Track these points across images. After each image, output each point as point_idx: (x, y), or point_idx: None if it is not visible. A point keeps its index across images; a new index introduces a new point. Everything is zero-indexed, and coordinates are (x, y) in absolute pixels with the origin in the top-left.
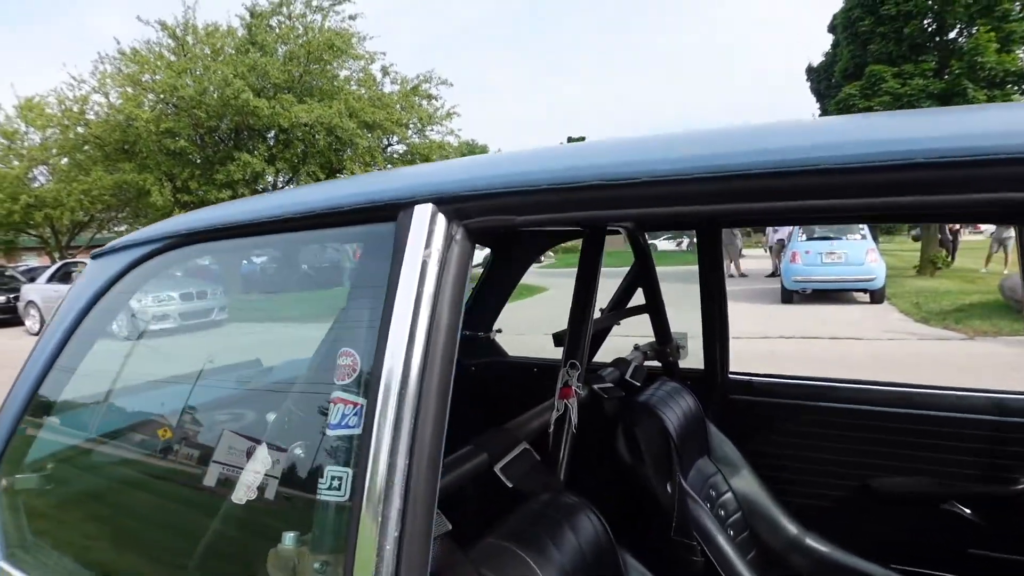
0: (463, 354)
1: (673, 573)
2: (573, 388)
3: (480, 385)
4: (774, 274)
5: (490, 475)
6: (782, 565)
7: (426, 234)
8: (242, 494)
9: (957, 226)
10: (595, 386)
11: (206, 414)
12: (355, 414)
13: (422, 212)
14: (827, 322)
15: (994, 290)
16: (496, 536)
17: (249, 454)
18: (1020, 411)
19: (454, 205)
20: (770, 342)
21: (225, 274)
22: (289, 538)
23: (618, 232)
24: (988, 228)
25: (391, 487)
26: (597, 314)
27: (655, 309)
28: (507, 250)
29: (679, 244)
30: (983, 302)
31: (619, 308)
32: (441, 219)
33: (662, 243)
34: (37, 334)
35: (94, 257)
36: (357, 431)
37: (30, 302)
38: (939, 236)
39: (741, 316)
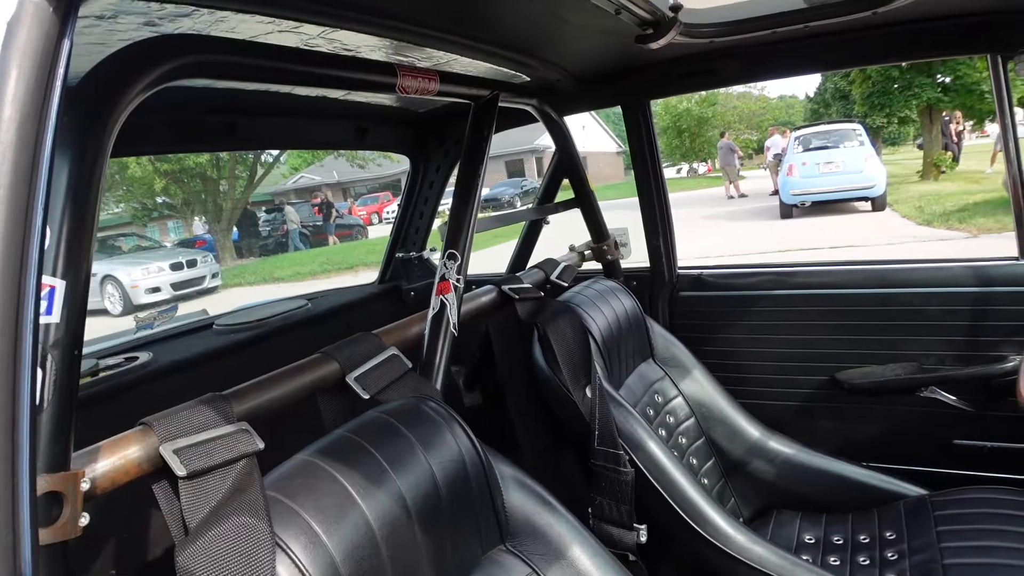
0: (400, 278)
1: (604, 488)
2: (451, 283)
3: (420, 309)
4: (776, 192)
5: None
6: (743, 472)
7: None
8: None
9: (961, 127)
10: (505, 287)
11: None
12: None
13: None
14: (827, 233)
15: (999, 188)
16: (309, 452)
17: None
18: (1006, 279)
19: None
20: (767, 257)
21: None
22: None
23: (529, 118)
24: (993, 130)
25: None
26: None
27: (585, 203)
28: (424, 156)
29: (678, 171)
30: (988, 200)
31: (544, 203)
32: None
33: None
34: None
35: None
36: None
37: None
38: (943, 139)
39: (740, 235)
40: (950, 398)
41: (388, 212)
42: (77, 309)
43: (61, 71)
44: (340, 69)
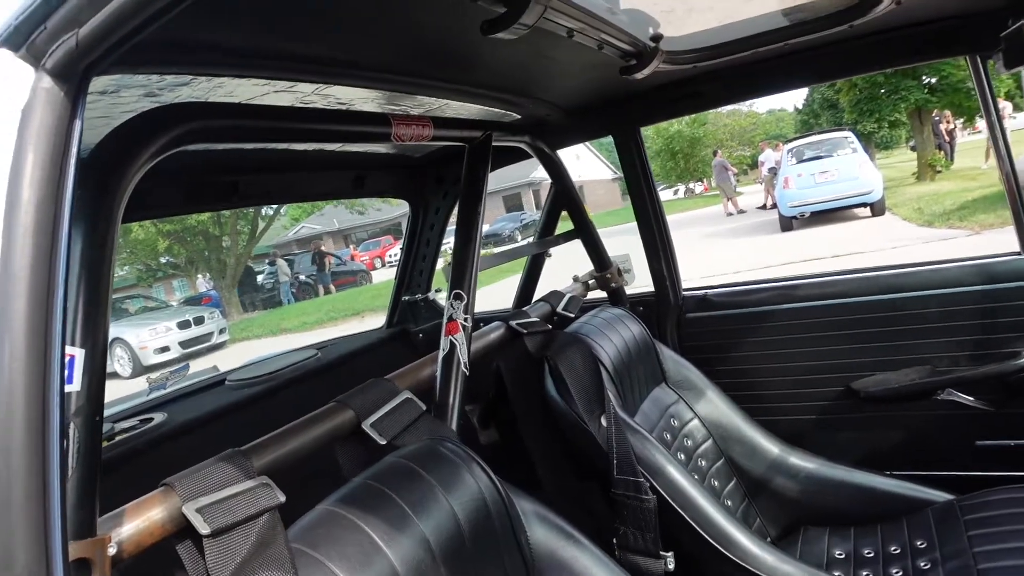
0: (408, 321)
1: (627, 517)
2: (459, 322)
3: (429, 351)
4: (773, 205)
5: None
6: (767, 490)
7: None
8: None
9: (952, 126)
10: (513, 323)
11: None
12: None
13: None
14: (829, 242)
15: (996, 183)
16: (331, 501)
17: None
18: (1010, 275)
19: (30, 39)
20: (772, 271)
21: None
22: None
23: (524, 154)
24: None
25: None
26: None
27: (584, 233)
28: (423, 199)
29: (675, 192)
30: (986, 196)
31: (544, 236)
32: (20, 65)
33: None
34: None
35: None
36: None
37: None
38: (934, 139)
39: (744, 251)
40: (968, 399)
41: (391, 255)
42: (97, 376)
43: (74, 150)
44: (337, 123)
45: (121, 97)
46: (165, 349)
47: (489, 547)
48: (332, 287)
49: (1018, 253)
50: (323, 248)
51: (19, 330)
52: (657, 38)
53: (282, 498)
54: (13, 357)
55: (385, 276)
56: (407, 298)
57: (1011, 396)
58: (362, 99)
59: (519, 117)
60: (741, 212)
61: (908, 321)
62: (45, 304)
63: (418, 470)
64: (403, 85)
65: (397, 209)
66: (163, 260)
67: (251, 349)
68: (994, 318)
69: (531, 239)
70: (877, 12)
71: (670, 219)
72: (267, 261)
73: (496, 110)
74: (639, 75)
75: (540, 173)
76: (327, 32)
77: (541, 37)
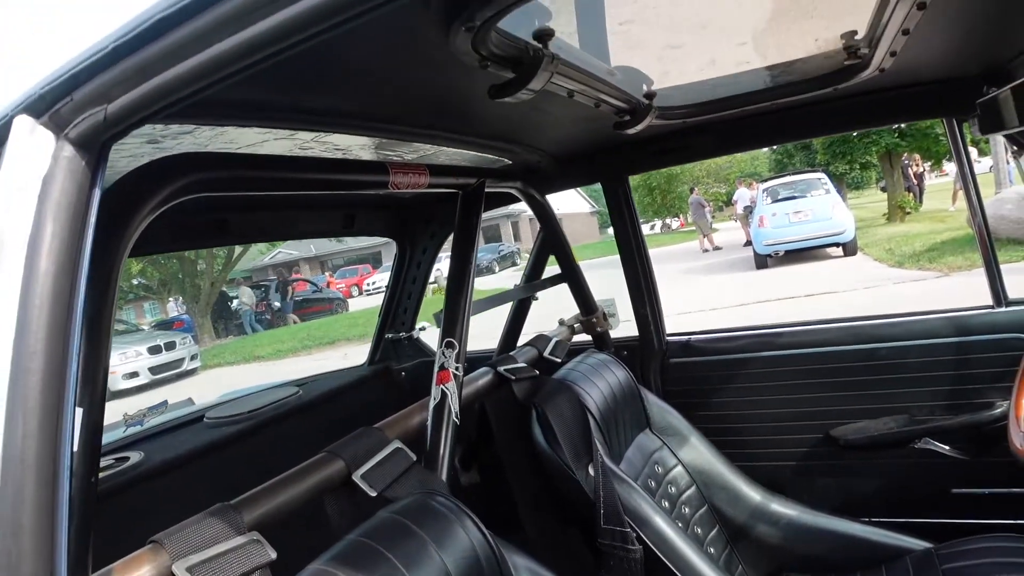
0: (390, 358)
1: (613, 567)
2: (451, 371)
3: (413, 390)
4: (748, 243)
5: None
6: (749, 537)
7: (20, 157)
8: None
9: (921, 169)
10: (500, 368)
11: None
12: None
13: (20, 129)
14: (803, 281)
15: (964, 225)
16: (324, 560)
17: None
18: (984, 327)
19: (54, 108)
20: (747, 309)
21: None
22: None
23: (511, 198)
24: (952, 168)
25: None
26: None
27: (571, 277)
28: (411, 238)
29: (651, 227)
30: (955, 238)
31: (531, 281)
32: (43, 134)
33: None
34: None
35: None
36: None
37: None
38: (904, 182)
39: (718, 287)
40: (944, 448)
41: (369, 284)
42: (92, 434)
43: (92, 220)
44: (336, 172)
45: (124, 144)
46: (134, 375)
47: None
48: (295, 317)
49: (991, 307)
50: (296, 275)
51: (34, 401)
52: (651, 95)
53: (273, 555)
54: (27, 433)
55: (361, 304)
56: (391, 336)
57: (986, 446)
58: (359, 145)
59: (510, 163)
60: (717, 248)
61: (886, 371)
62: (61, 372)
63: (411, 526)
64: (401, 134)
65: (375, 238)
66: (135, 282)
67: (224, 376)
68: (969, 369)
69: (509, 270)
70: (861, 78)
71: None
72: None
73: (489, 156)
74: (631, 130)
75: (519, 206)
76: (334, 86)
77: (542, 96)
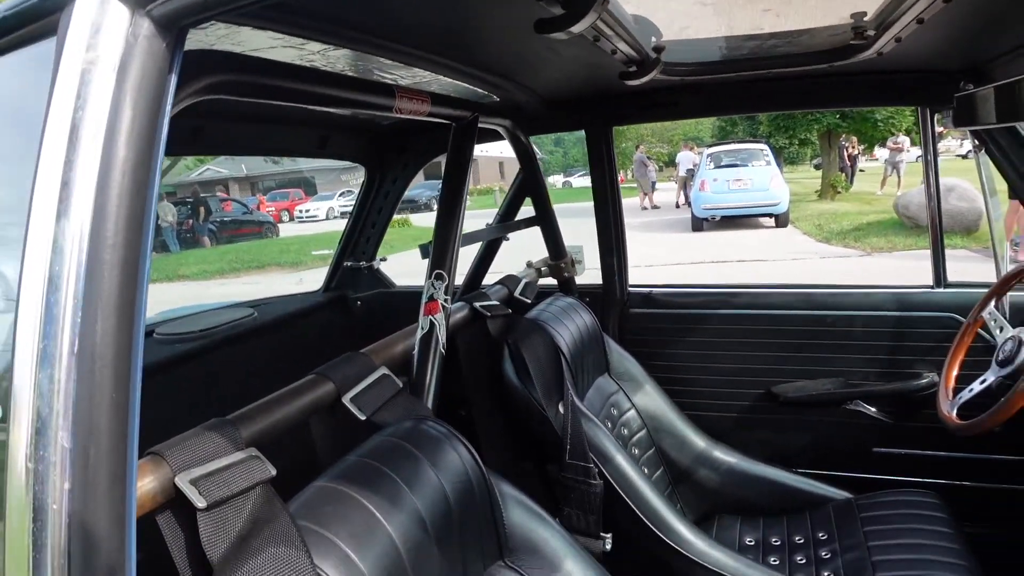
0: (347, 287)
1: (572, 499)
2: (440, 303)
3: (368, 320)
4: (682, 205)
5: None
6: (690, 480)
7: (89, 34)
8: None
9: (855, 151)
10: (477, 304)
11: None
12: None
13: (86, 3)
14: (736, 247)
15: (889, 210)
16: (329, 478)
17: None
18: (922, 304)
19: None
20: (682, 268)
21: None
22: None
23: (497, 136)
24: (882, 154)
25: (48, 418)
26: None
27: (545, 221)
28: (381, 166)
29: None
30: (879, 221)
31: (506, 221)
32: (116, 8)
33: (577, 180)
34: None
35: None
36: None
37: None
38: (839, 163)
39: (655, 245)
40: (871, 410)
41: (300, 211)
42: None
43: (168, 107)
44: (346, 89)
45: None
46: None
47: (471, 525)
48: (207, 239)
49: (931, 286)
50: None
51: (113, 297)
52: (660, 49)
53: (273, 471)
54: (105, 330)
55: (293, 231)
56: (349, 264)
57: (909, 411)
58: (354, 65)
59: (497, 100)
60: (655, 208)
61: (831, 336)
62: (136, 268)
63: (409, 447)
64: (406, 56)
65: (313, 162)
66: None
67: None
68: (903, 341)
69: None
70: (858, 59)
71: (586, 207)
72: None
73: (478, 91)
74: (635, 82)
75: None
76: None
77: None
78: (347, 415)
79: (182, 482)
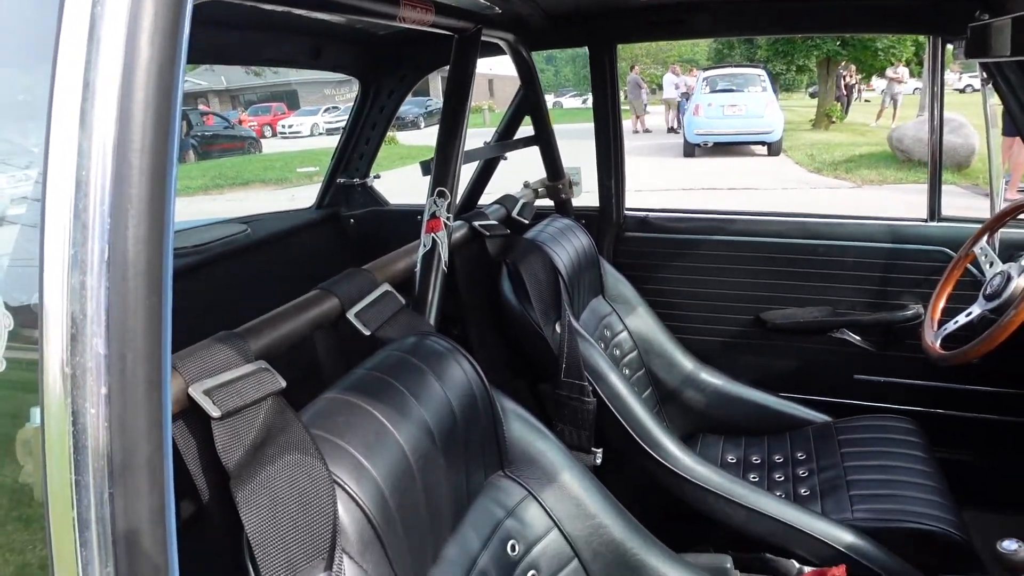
0: (340, 204)
1: (566, 416)
2: (442, 220)
3: (361, 237)
4: (672, 130)
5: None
6: (677, 401)
7: None
8: None
9: (852, 81)
10: (476, 223)
11: None
12: None
13: None
14: (726, 174)
15: (882, 142)
16: (339, 390)
17: None
18: (914, 237)
19: None
20: (672, 194)
21: None
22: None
23: (498, 51)
24: (879, 84)
25: (82, 324)
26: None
27: (544, 141)
28: (377, 79)
29: (584, 101)
30: (872, 153)
31: (505, 139)
32: None
33: (568, 100)
34: None
35: None
36: None
37: None
38: (835, 92)
39: (645, 170)
40: (856, 339)
41: (283, 126)
42: None
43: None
44: None
45: None
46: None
47: (474, 437)
48: (191, 155)
49: (925, 220)
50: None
51: (143, 203)
52: None
53: (283, 383)
54: (137, 237)
55: (276, 147)
56: (342, 180)
57: (892, 341)
58: None
59: (500, 12)
60: (647, 131)
61: (822, 266)
62: (164, 172)
63: (415, 361)
64: None
65: (296, 74)
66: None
67: None
68: (893, 273)
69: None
70: None
71: (578, 127)
72: None
73: (481, 1)
74: None
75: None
76: None
77: None
78: (351, 330)
79: (196, 392)
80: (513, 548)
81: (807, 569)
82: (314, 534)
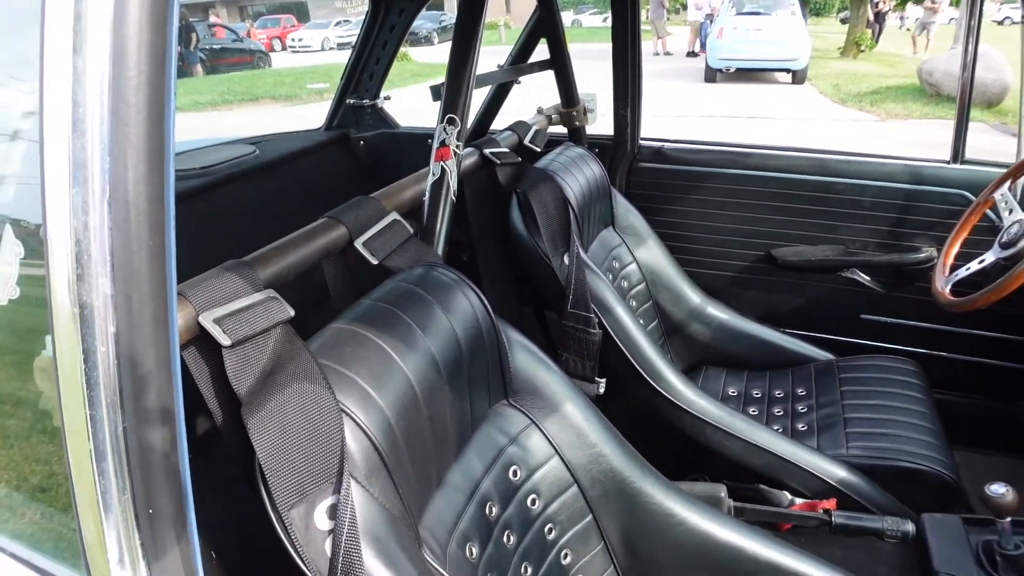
0: (349, 125)
1: (571, 346)
2: (452, 148)
3: (371, 160)
4: (693, 53)
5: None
6: (683, 333)
7: None
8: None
9: (886, 8)
10: (486, 151)
11: None
12: None
13: None
14: (747, 102)
15: (911, 75)
16: (346, 320)
17: None
18: (935, 179)
19: None
20: (691, 120)
21: None
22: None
23: None
24: (915, 13)
25: (87, 265)
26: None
27: (560, 65)
28: None
29: (604, 20)
30: (900, 85)
31: (518, 63)
32: None
33: (588, 18)
34: None
35: None
36: None
37: None
38: (867, 18)
39: (665, 95)
40: (866, 279)
41: (293, 40)
42: None
43: None
44: None
45: None
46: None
47: (480, 366)
48: (199, 69)
49: (948, 161)
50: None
51: (140, 141)
52: None
53: (291, 312)
54: (137, 177)
55: (286, 62)
56: (352, 101)
57: (901, 283)
58: None
59: None
60: (668, 54)
61: (837, 204)
62: (162, 106)
63: (421, 292)
64: None
65: None
66: None
67: None
68: (908, 215)
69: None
70: None
71: (597, 48)
72: None
73: None
74: None
75: None
76: None
77: None
78: (359, 259)
79: (206, 321)
80: (515, 473)
81: (798, 500)
82: (323, 460)
